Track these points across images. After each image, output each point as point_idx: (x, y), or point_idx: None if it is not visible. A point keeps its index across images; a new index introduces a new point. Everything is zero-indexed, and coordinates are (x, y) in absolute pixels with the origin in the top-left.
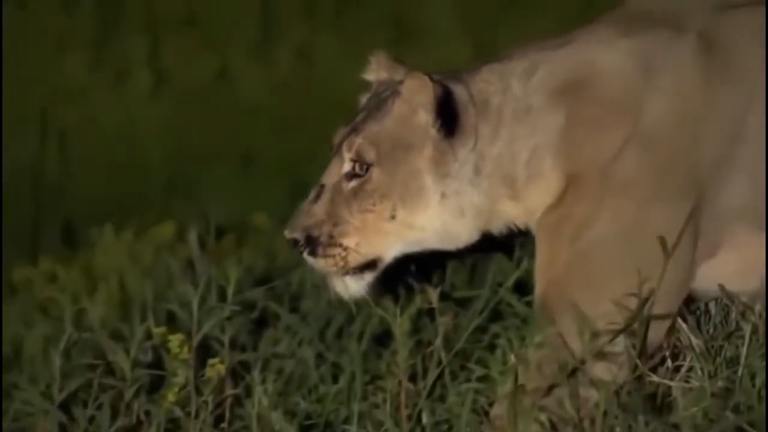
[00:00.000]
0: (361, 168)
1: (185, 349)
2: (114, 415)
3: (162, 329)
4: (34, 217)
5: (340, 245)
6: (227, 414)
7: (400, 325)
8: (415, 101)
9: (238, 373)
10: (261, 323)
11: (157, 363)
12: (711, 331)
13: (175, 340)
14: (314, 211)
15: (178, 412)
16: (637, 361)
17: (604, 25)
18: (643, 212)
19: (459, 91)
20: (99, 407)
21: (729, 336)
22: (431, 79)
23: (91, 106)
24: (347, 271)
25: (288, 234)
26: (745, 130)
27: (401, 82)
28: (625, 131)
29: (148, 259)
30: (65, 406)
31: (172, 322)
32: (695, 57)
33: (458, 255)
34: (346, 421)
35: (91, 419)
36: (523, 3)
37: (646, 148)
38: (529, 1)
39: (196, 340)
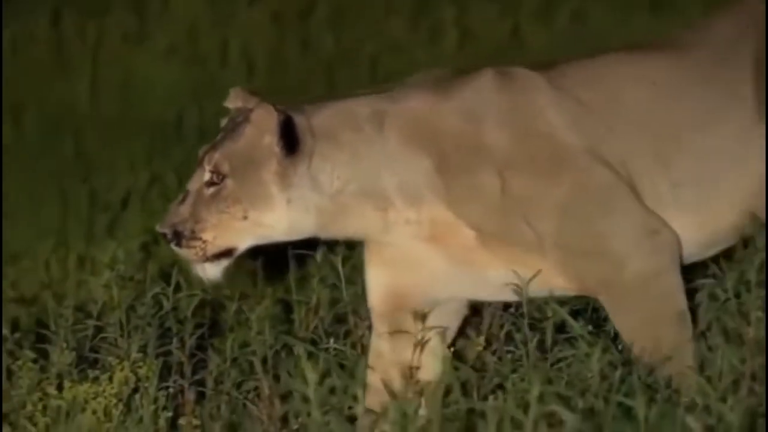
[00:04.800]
0: (218, 178)
1: None
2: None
3: None
4: None
5: (200, 239)
6: None
7: None
8: (262, 126)
9: None
10: None
11: None
12: None
13: None
14: (180, 211)
15: None
16: None
17: (422, 91)
18: (548, 193)
19: (300, 120)
20: None
21: None
22: (275, 108)
23: (410, 59)
24: (206, 258)
25: (158, 229)
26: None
27: (252, 110)
28: (492, 167)
29: None
30: None
31: None
32: (496, 86)
33: None
34: None
35: None
36: None
37: (512, 164)
38: None
39: None
